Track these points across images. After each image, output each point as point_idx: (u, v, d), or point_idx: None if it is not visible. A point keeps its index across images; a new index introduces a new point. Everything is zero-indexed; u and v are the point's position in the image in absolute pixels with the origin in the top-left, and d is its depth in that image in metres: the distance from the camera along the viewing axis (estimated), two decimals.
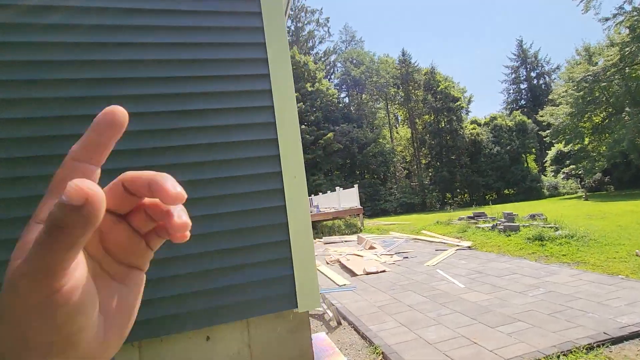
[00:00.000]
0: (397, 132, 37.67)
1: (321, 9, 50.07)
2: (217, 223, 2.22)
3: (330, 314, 4.53)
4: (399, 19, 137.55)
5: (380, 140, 32.25)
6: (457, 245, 8.82)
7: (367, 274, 6.79)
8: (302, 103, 29.46)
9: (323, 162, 30.14)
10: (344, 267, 7.69)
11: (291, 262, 2.35)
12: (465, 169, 31.72)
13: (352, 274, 6.89)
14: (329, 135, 29.23)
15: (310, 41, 37.07)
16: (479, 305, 4.42)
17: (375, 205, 28.62)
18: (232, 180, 2.30)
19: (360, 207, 15.53)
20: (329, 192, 18.60)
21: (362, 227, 15.37)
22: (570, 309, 3.99)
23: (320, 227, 14.99)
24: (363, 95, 36.37)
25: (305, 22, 37.07)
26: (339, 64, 37.25)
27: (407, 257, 8.07)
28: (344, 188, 17.94)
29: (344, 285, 6.11)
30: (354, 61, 35.58)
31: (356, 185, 15.99)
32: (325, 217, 15.11)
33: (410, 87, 33.55)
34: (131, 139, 2.08)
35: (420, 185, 31.69)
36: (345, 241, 12.30)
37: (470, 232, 9.79)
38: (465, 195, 32.93)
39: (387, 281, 6.10)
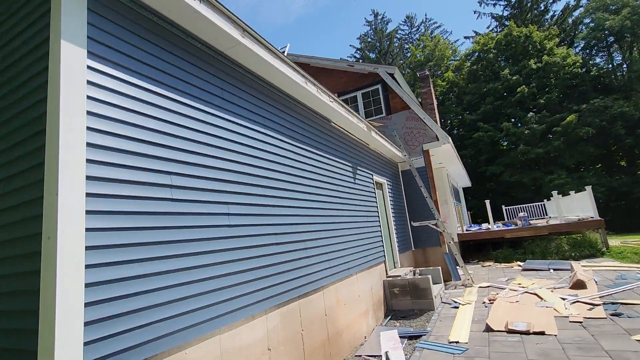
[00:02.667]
0: None
1: None
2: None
3: None
4: None
5: None
6: None
7: (510, 332, 4.58)
8: (524, 86, 23.79)
9: (565, 155, 22.84)
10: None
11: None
12: None
13: (487, 327, 4.84)
14: (569, 118, 21.91)
15: (539, 5, 29.41)
16: None
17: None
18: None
19: (598, 218, 10.62)
20: (559, 196, 13.78)
21: (604, 249, 10.43)
22: None
23: (530, 247, 11.42)
24: (634, 50, 24.88)
25: None
26: (586, 21, 27.33)
27: (619, 314, 4.80)
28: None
29: (452, 343, 4.41)
30: (611, 7, 25.01)
31: (588, 188, 11.06)
32: (537, 233, 11.36)
33: None
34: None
35: None
36: (556, 269, 8.75)
37: None
38: None
39: (534, 353, 3.88)
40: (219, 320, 2.70)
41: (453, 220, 12.35)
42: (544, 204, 17.79)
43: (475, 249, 13.23)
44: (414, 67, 32.79)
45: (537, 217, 17.70)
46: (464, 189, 23.22)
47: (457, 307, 6.20)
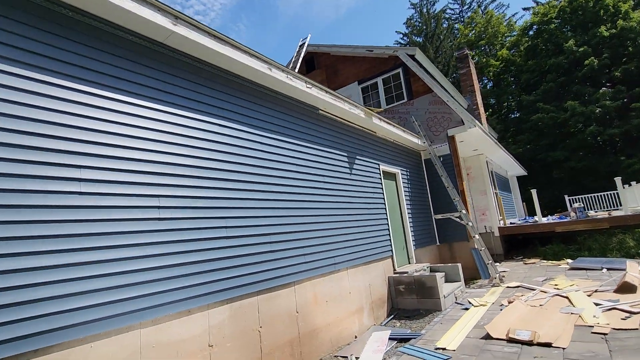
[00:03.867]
0: None
1: None
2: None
3: None
4: None
5: None
6: None
7: (510, 340, 3.94)
8: (593, 58, 20.66)
9: None
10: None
11: None
12: None
13: (487, 333, 4.23)
14: None
15: None
16: None
17: None
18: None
19: None
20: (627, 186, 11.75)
21: None
22: None
23: (586, 242, 9.91)
24: None
25: None
26: None
27: None
28: None
29: (437, 350, 3.92)
30: None
31: None
32: (595, 226, 9.78)
33: None
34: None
35: None
36: (610, 269, 7.46)
37: None
38: None
39: None
40: (141, 314, 2.67)
41: (493, 213, 11.20)
42: (616, 193, 15.32)
43: (522, 245, 11.86)
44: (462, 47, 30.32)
45: (605, 209, 15.31)
46: (519, 178, 20.99)
47: (468, 309, 5.56)
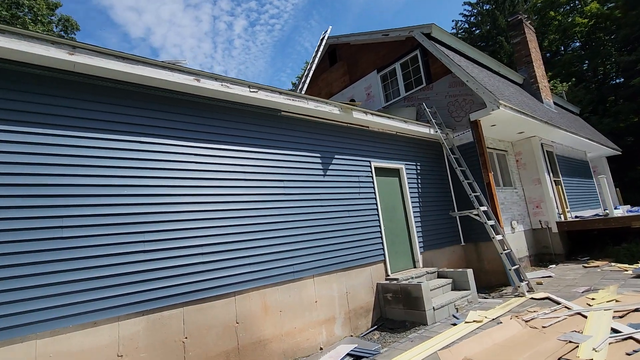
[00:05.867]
0: None
1: None
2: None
3: None
4: None
5: None
6: None
7: None
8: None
9: None
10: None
11: None
12: None
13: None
14: None
15: None
16: None
17: None
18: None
19: None
20: None
21: None
22: None
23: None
24: None
25: None
26: None
27: None
28: None
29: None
30: None
31: None
32: None
33: None
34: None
35: None
36: None
37: None
38: None
39: None
40: (37, 326, 2.95)
41: (550, 205, 9.48)
42: None
43: (595, 243, 9.79)
44: (540, 9, 26.02)
45: None
46: (614, 158, 17.28)
47: (456, 325, 4.83)
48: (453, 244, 7.64)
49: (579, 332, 3.90)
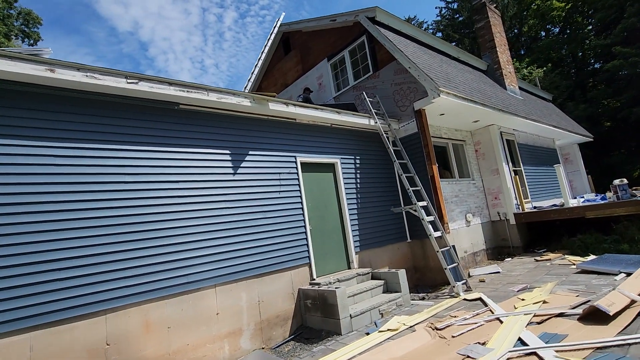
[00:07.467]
0: None
1: None
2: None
3: None
4: None
5: None
6: None
7: None
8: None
9: None
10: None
11: None
12: None
13: None
14: None
15: None
16: None
17: None
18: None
19: None
20: None
21: None
22: None
23: (629, 232, 7.43)
24: None
25: None
26: None
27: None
28: None
29: None
30: None
31: None
32: None
33: None
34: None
35: None
36: (630, 274, 5.34)
37: None
38: None
39: None
40: None
41: (509, 196, 9.11)
42: None
43: (553, 235, 9.46)
44: None
45: None
46: (587, 144, 16.98)
47: (369, 334, 4.42)
48: (398, 241, 7.23)
49: (483, 343, 3.50)
